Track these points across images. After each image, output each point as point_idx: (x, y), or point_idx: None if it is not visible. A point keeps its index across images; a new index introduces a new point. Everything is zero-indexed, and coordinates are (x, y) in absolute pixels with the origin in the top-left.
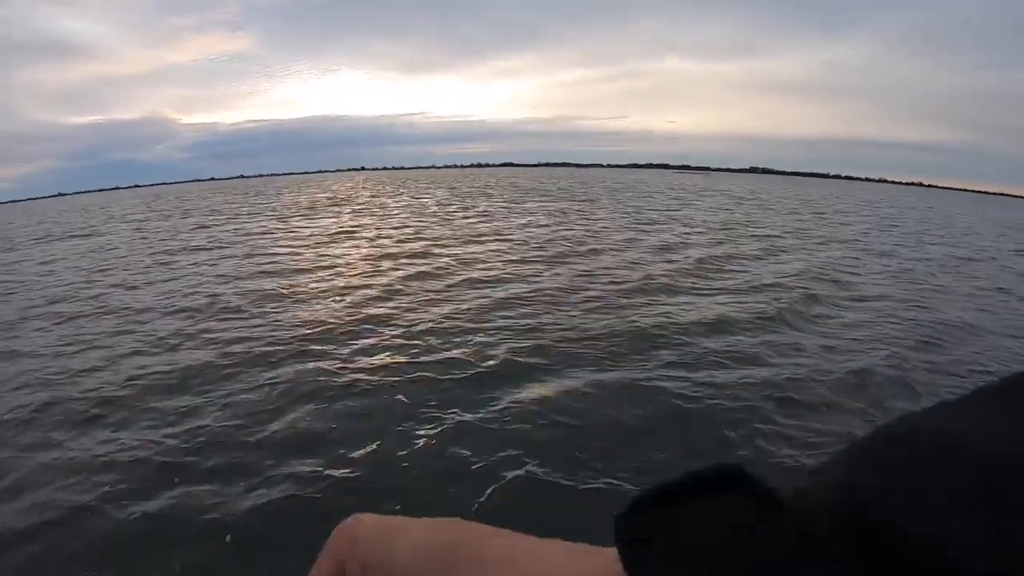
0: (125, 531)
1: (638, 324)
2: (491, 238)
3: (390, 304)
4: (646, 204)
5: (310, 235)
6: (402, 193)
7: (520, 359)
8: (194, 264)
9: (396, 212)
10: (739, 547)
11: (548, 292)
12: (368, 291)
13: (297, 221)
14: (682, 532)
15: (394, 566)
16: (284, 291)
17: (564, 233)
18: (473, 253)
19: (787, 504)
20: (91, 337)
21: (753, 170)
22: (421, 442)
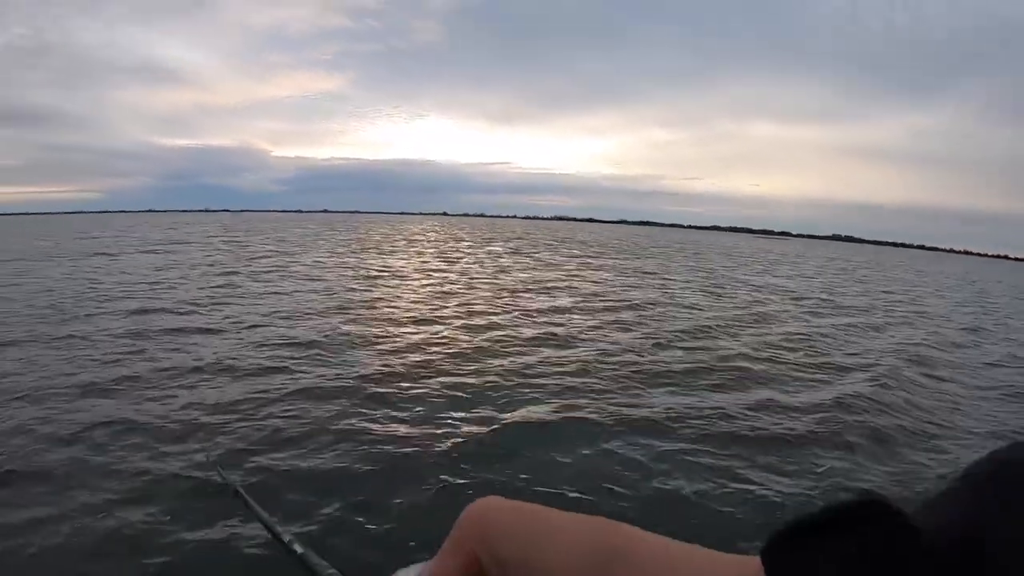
0: None
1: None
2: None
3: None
4: (728, 268)
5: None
6: (493, 239)
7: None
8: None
9: (481, 259)
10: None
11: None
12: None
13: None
14: (827, 559)
15: (538, 562)
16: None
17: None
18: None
19: (924, 536)
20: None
21: (835, 237)
22: None
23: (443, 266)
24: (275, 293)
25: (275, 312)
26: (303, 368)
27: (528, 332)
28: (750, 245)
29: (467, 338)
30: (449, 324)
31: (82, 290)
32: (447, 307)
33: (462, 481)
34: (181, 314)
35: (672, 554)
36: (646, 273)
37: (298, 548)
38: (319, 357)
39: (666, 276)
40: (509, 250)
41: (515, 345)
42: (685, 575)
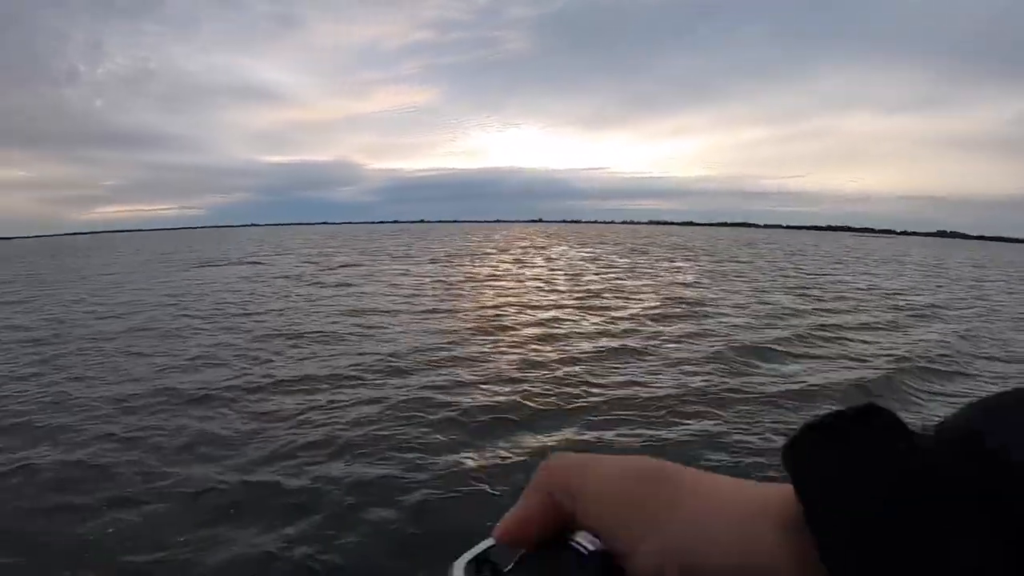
0: None
1: None
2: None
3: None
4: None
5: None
6: (586, 245)
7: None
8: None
9: (584, 264)
10: (886, 473)
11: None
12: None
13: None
14: (842, 459)
15: (601, 489)
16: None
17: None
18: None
19: (918, 437)
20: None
21: (941, 234)
22: None
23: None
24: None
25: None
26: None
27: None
28: (850, 244)
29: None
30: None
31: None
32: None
33: None
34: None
35: (708, 480)
36: (737, 276)
37: None
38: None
39: (757, 279)
40: (610, 256)
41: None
42: (717, 490)
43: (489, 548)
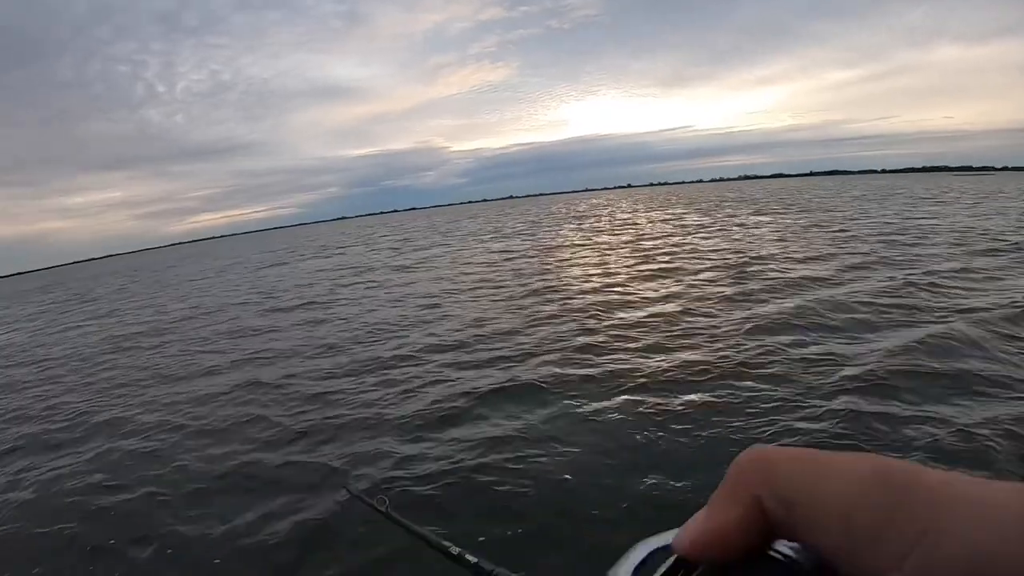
0: None
1: None
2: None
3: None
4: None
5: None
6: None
7: None
8: None
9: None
10: None
11: None
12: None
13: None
14: None
15: (837, 497)
16: None
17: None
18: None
19: None
20: None
21: None
22: None
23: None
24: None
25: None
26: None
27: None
28: (948, 184)
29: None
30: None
31: None
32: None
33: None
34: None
35: (952, 482)
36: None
37: (469, 557)
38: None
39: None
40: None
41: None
42: (978, 498)
43: (653, 554)
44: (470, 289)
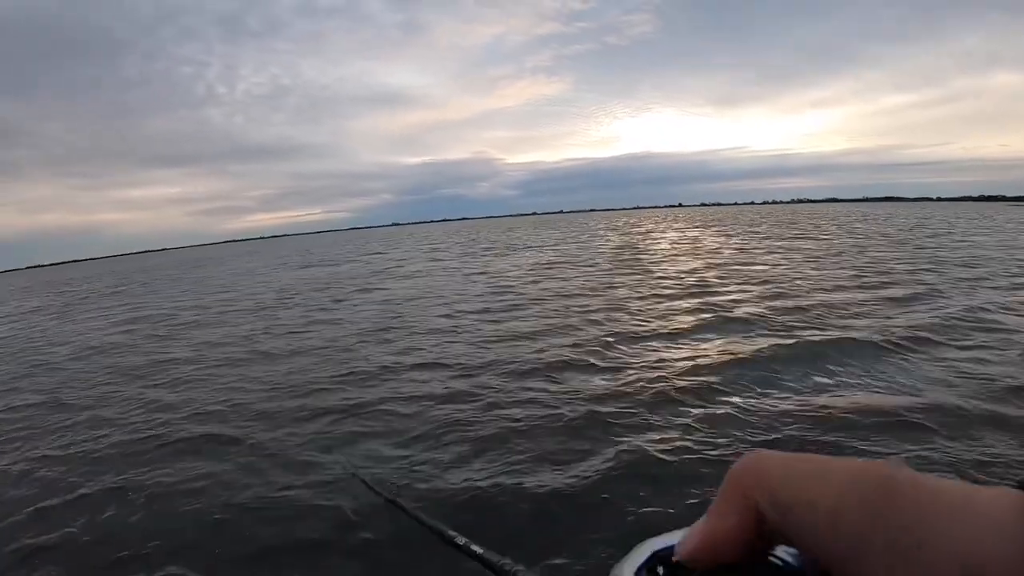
0: None
1: None
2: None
3: None
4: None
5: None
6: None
7: None
8: None
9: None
10: None
11: None
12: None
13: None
14: None
15: (827, 501)
16: None
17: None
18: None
19: None
20: None
21: None
22: None
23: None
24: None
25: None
26: None
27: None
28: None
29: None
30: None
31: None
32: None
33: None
34: None
35: (940, 488)
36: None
37: (475, 547)
38: None
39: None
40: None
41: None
42: (961, 503)
43: (655, 555)
44: None
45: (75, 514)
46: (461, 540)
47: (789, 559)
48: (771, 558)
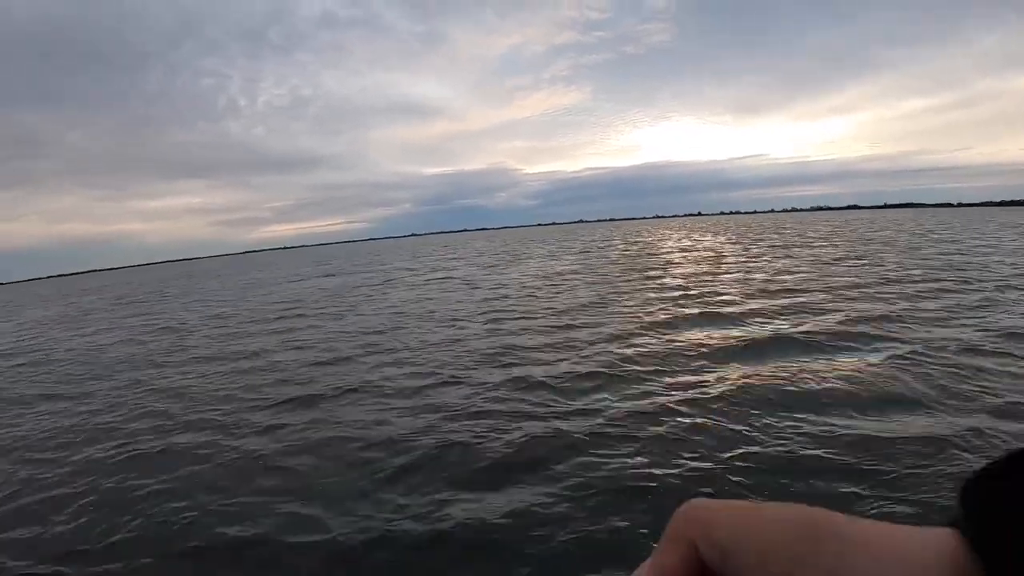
0: None
1: None
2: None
3: None
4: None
5: None
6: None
7: None
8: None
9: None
10: None
11: None
12: None
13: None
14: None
15: (757, 545)
16: None
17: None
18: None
19: None
20: None
21: None
22: None
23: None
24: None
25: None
26: None
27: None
28: None
29: None
30: None
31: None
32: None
33: None
34: None
35: (871, 531)
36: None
37: None
38: None
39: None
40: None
41: None
42: (888, 549)
43: None
44: None
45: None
46: None
47: None
48: None
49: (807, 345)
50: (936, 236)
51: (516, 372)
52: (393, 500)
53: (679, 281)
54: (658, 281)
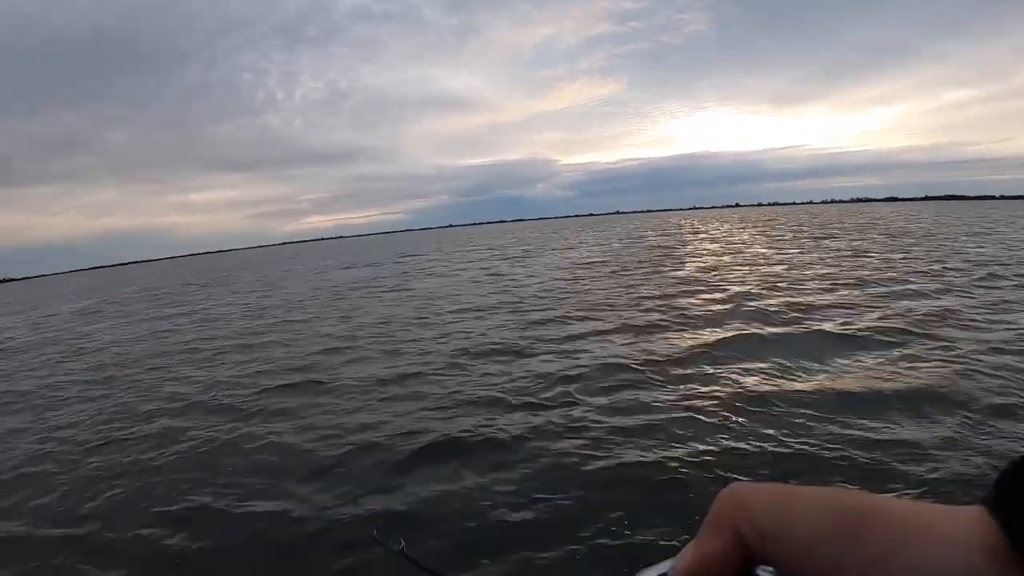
0: None
1: None
2: None
3: None
4: None
5: None
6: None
7: None
8: None
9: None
10: None
11: None
12: None
13: None
14: None
15: (803, 532)
16: None
17: None
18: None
19: None
20: None
21: None
22: None
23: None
24: None
25: None
26: None
27: None
28: None
29: None
30: None
31: None
32: None
33: None
34: None
35: (909, 512)
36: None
37: None
38: None
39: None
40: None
41: None
42: (926, 529)
43: None
44: None
45: None
46: None
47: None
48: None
49: (849, 341)
50: (978, 229)
51: (536, 363)
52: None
53: (709, 274)
54: (688, 272)
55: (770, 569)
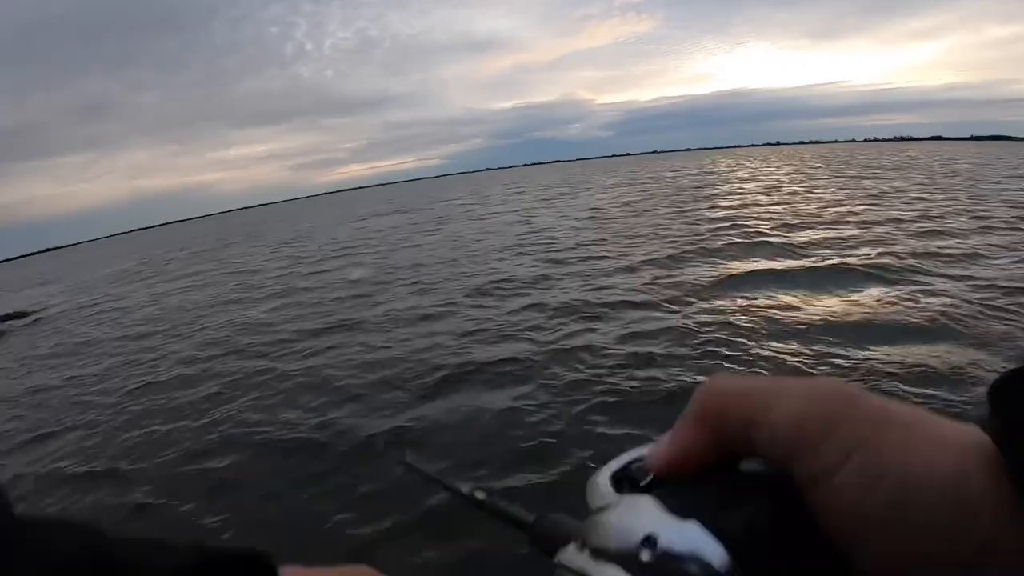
0: None
1: None
2: None
3: None
4: None
5: None
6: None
7: None
8: None
9: None
10: None
11: None
12: None
13: None
14: None
15: (788, 414)
16: None
17: None
18: None
19: None
20: None
21: None
22: None
23: None
24: None
25: None
26: None
27: None
28: None
29: None
30: None
31: None
32: None
33: None
34: None
35: (904, 408)
36: None
37: (481, 495)
38: None
39: None
40: None
41: None
42: (920, 427)
43: (633, 463)
44: None
45: None
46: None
47: (755, 468)
48: (740, 470)
49: (868, 275)
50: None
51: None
52: None
53: (740, 210)
54: (721, 212)
55: (756, 462)
